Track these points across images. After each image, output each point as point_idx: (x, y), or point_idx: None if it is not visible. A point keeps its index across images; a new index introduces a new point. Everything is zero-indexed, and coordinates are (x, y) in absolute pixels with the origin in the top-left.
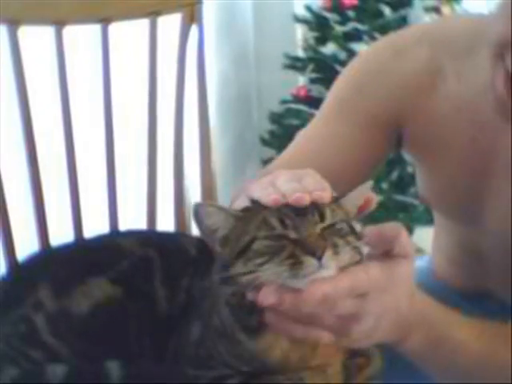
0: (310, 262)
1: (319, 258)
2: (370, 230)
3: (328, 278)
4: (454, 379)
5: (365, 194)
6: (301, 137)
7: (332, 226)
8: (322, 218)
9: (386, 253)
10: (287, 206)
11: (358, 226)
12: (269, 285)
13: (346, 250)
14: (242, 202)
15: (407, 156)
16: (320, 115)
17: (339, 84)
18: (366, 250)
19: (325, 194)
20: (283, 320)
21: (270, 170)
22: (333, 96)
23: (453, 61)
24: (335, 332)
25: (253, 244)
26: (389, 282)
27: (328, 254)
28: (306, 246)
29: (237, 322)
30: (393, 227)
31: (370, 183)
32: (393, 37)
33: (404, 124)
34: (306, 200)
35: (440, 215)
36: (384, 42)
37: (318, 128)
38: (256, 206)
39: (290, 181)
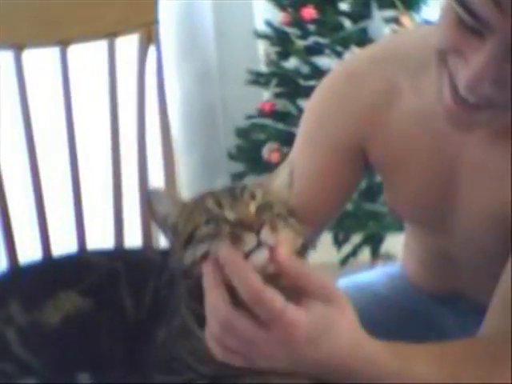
0: (249, 237)
1: (257, 234)
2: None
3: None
4: None
5: (287, 172)
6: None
7: (268, 206)
8: (253, 197)
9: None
10: (222, 190)
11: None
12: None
13: (286, 232)
14: None
15: None
16: (293, 148)
17: (305, 116)
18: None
19: None
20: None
21: None
22: (301, 129)
23: (408, 76)
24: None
25: (196, 231)
26: (323, 334)
27: (266, 229)
28: (243, 223)
29: (188, 309)
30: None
31: (287, 166)
32: (346, 62)
33: (367, 145)
34: None
35: (408, 223)
36: (338, 68)
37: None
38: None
39: None
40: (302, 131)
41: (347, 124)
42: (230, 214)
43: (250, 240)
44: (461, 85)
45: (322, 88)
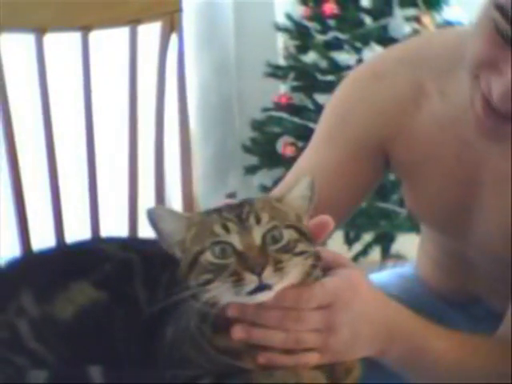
0: (251, 278)
1: (259, 275)
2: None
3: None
4: None
5: (310, 184)
6: (293, 167)
7: (276, 236)
8: (258, 221)
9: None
10: (229, 210)
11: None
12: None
13: (294, 262)
14: None
15: None
16: (310, 145)
17: (326, 112)
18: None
19: None
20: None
21: None
22: (320, 125)
23: (435, 80)
24: (319, 350)
25: (201, 256)
26: (350, 291)
27: (269, 269)
28: (246, 261)
29: (203, 337)
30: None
31: (309, 176)
32: (373, 60)
33: (390, 146)
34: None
35: (427, 226)
36: (364, 66)
37: (308, 158)
38: (210, 210)
39: None
40: (322, 127)
41: (371, 122)
42: (235, 240)
43: (251, 281)
44: (494, 96)
45: (346, 85)
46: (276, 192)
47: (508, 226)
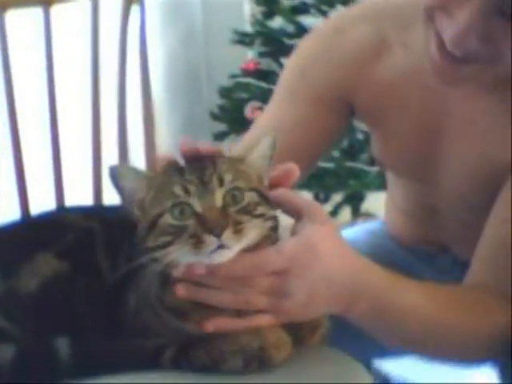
0: (210, 240)
1: (218, 236)
2: (282, 196)
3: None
4: (405, 344)
5: (271, 143)
6: (255, 123)
7: (237, 196)
8: (221, 183)
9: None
10: (191, 171)
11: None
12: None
13: (254, 224)
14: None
15: (357, 123)
16: (272, 101)
17: (287, 68)
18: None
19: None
20: (221, 317)
21: None
22: (282, 80)
23: (397, 32)
24: (272, 312)
25: (160, 218)
26: (309, 254)
27: (228, 232)
28: (206, 223)
29: (160, 302)
30: (302, 198)
31: (270, 135)
32: (334, 17)
33: (353, 96)
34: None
35: (394, 175)
36: (326, 23)
37: (271, 112)
38: (172, 168)
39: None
40: (284, 83)
41: (331, 75)
42: (195, 202)
43: (211, 242)
44: (447, 40)
45: (308, 41)
46: (238, 149)
47: (473, 171)
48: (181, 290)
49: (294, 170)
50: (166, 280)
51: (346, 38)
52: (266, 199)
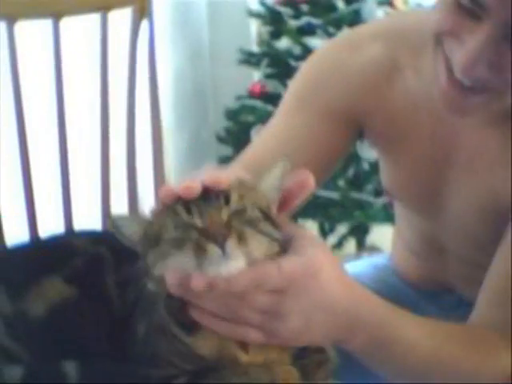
0: (213, 249)
1: (221, 246)
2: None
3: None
4: (405, 379)
5: (282, 174)
6: (259, 135)
7: (241, 212)
8: (227, 201)
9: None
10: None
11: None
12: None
13: (258, 239)
14: None
15: (363, 153)
16: (278, 113)
17: (296, 81)
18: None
19: (221, 179)
20: (208, 316)
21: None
22: (290, 93)
23: (409, 56)
24: (263, 331)
25: (163, 233)
26: (308, 277)
27: (232, 241)
28: (208, 233)
29: (171, 317)
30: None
31: (284, 161)
32: (348, 33)
33: (363, 118)
34: (196, 188)
35: (402, 207)
36: (339, 38)
37: (276, 125)
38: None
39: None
40: (293, 92)
41: (346, 94)
42: (198, 221)
43: (213, 251)
44: (456, 66)
45: (320, 53)
46: (244, 158)
47: (480, 206)
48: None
49: (310, 180)
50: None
51: (361, 55)
52: (272, 221)
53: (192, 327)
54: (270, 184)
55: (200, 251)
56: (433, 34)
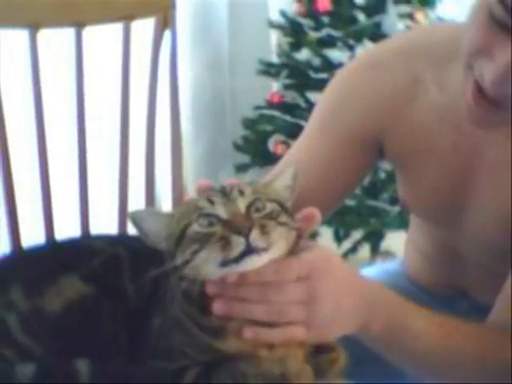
0: (238, 240)
1: (246, 236)
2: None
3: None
4: (413, 366)
5: (294, 175)
6: (286, 156)
7: (256, 203)
8: (242, 193)
9: None
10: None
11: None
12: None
13: (278, 230)
14: None
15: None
16: (304, 133)
17: (320, 103)
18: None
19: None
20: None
21: None
22: (315, 114)
23: (433, 71)
24: (304, 324)
25: (188, 229)
26: (325, 262)
27: (255, 232)
28: (232, 225)
29: (190, 319)
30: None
31: (293, 167)
32: (371, 51)
33: (385, 137)
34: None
35: (418, 218)
36: (362, 56)
37: (302, 146)
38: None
39: None
40: (317, 116)
41: (366, 114)
42: (221, 211)
43: (239, 243)
44: (487, 81)
45: (343, 74)
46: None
47: (501, 217)
48: (219, 308)
49: (316, 214)
50: (192, 298)
51: (383, 75)
52: (287, 211)
53: (219, 332)
54: (282, 183)
55: (225, 244)
56: (466, 54)
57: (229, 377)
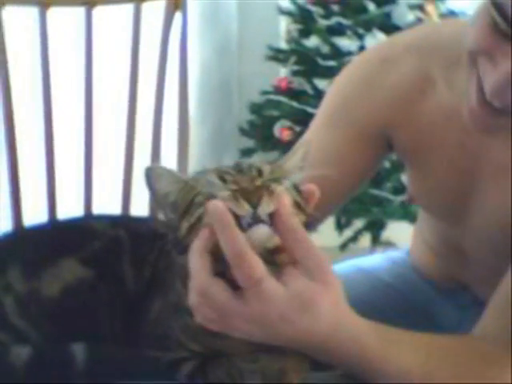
0: (245, 207)
1: (255, 206)
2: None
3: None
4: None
5: (304, 155)
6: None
7: (272, 181)
8: (260, 173)
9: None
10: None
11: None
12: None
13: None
14: None
15: None
16: (311, 128)
17: (329, 96)
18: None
19: None
20: None
21: None
22: (322, 108)
23: (443, 69)
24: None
25: (195, 199)
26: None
27: (265, 201)
28: (244, 192)
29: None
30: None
31: (306, 145)
32: (381, 45)
33: (394, 133)
34: None
35: (426, 212)
36: (372, 50)
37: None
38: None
39: None
40: (325, 109)
41: (375, 110)
42: (232, 187)
43: (245, 208)
44: (487, 88)
45: (353, 67)
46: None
47: (505, 216)
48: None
49: (315, 190)
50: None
51: (393, 71)
52: (299, 192)
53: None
54: (294, 163)
55: (236, 196)
56: (468, 51)
57: (226, 372)
